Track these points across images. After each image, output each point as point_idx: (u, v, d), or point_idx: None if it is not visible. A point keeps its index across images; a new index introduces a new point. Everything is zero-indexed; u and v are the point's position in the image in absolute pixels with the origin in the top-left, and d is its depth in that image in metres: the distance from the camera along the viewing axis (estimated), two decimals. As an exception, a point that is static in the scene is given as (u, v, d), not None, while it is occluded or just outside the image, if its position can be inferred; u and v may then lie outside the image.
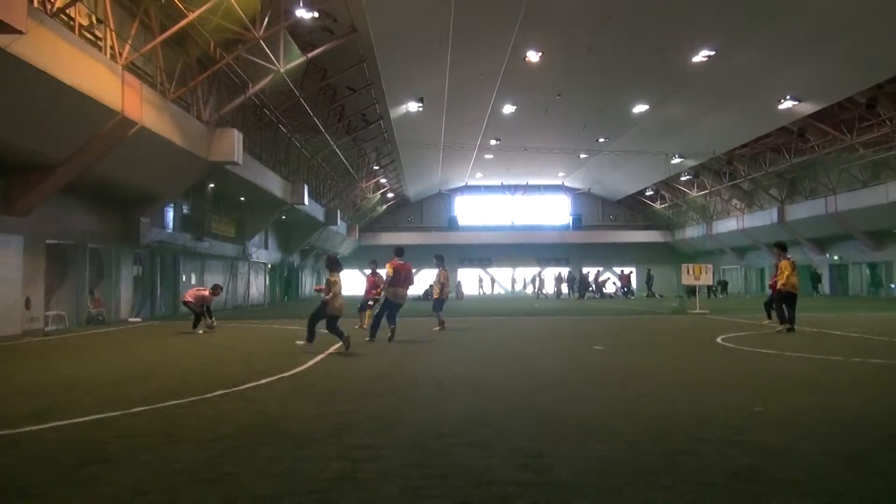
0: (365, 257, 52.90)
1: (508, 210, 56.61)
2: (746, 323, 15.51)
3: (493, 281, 55.93)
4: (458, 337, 13.15)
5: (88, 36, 14.20)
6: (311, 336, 10.35)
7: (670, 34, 21.72)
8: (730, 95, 27.51)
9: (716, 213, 48.18)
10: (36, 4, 11.66)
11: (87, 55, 12.92)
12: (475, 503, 3.44)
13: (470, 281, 51.91)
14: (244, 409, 5.98)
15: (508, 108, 30.67)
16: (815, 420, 5.32)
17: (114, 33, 14.75)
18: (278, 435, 4.97)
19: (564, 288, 39.75)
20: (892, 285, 34.63)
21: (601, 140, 37.06)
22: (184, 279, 24.78)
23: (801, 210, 37.28)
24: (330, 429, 5.11)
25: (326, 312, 10.23)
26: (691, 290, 28.67)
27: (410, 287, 12.87)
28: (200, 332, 14.29)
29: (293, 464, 4.16)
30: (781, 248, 14.03)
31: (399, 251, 12.77)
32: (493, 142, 37.25)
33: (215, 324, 14.39)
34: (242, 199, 27.18)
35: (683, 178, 44.59)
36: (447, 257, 15.48)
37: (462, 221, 55.74)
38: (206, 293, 14.89)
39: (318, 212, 35.75)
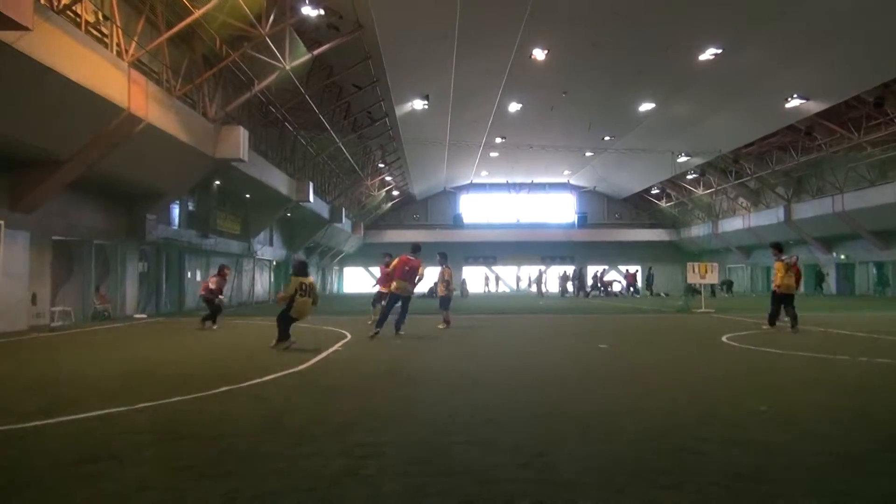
0: (370, 255, 53.57)
1: (513, 208, 56.55)
2: (752, 322, 15.46)
3: (497, 279, 55.91)
4: (462, 334, 13.15)
5: (95, 33, 14.22)
6: (282, 336, 10.26)
7: (677, 32, 21.62)
8: (736, 93, 27.40)
9: (722, 211, 48.02)
10: (42, 1, 11.69)
11: (93, 52, 12.95)
12: (478, 501, 3.44)
13: (475, 279, 51.94)
14: (248, 405, 6.00)
15: (514, 106, 30.61)
16: (819, 420, 5.30)
17: (120, 30, 14.78)
18: (282, 431, 4.99)
19: (570, 286, 39.71)
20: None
21: (607, 138, 36.96)
22: (189, 276, 24.84)
23: (807, 209, 37.11)
24: (333, 425, 5.12)
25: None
26: (691, 289, 28.67)
27: (416, 284, 12.85)
28: (215, 326, 14.37)
29: (296, 460, 4.17)
30: (777, 248, 14.06)
31: (415, 248, 12.87)
32: (498, 140, 37.19)
33: (215, 328, 14.36)
34: (248, 196, 27.23)
35: (689, 177, 44.46)
36: (452, 255, 15.50)
37: (467, 219, 55.70)
38: (212, 282, 15.01)
39: (323, 209, 35.79)
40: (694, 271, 21.80)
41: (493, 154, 41.91)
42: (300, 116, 27.05)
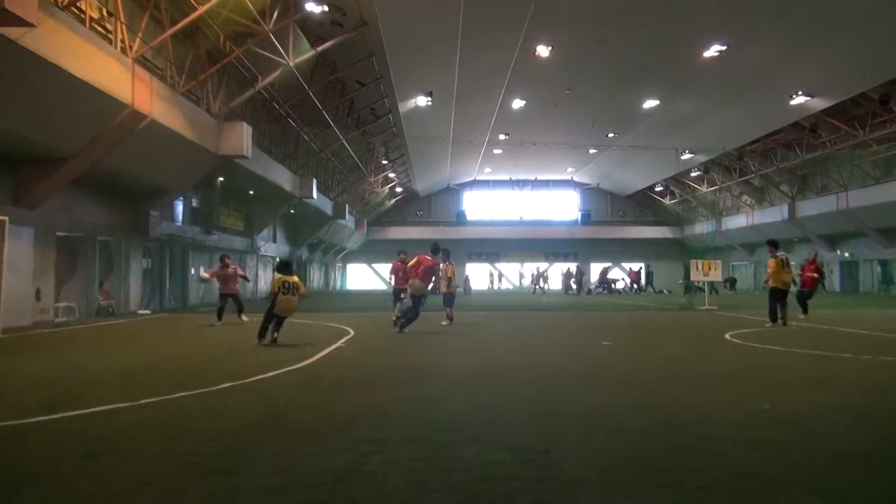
0: (373, 251, 53.67)
1: (517, 205, 56.53)
2: (755, 319, 15.43)
3: (500, 276, 55.91)
4: (465, 331, 13.16)
5: (99, 29, 14.25)
6: (260, 333, 10.50)
7: (681, 29, 21.56)
8: (741, 90, 27.31)
9: (725, 209, 47.92)
10: (47, -3, 11.70)
11: (97, 48, 12.97)
12: (480, 498, 3.44)
13: (478, 275, 51.94)
14: (251, 401, 6.01)
15: (518, 103, 30.56)
16: (822, 418, 5.30)
17: (124, 26, 14.80)
18: (285, 427, 5.00)
19: (573, 284, 39.70)
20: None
21: (610, 135, 36.89)
22: (192, 272, 24.89)
23: (811, 206, 37.01)
24: (336, 422, 5.13)
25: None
26: (689, 287, 28.68)
27: (432, 283, 13.05)
28: (244, 318, 14.63)
29: (300, 456, 4.18)
30: (773, 245, 14.21)
31: (434, 248, 13.17)
32: (501, 136, 37.15)
33: (216, 324, 14.35)
34: (251, 192, 27.26)
35: (693, 174, 44.40)
36: (455, 252, 15.56)
37: (470, 216, 55.72)
38: (213, 273, 15.18)
39: (326, 206, 35.81)
40: (697, 269, 21.78)
41: (497, 151, 41.88)
42: (304, 113, 27.06)
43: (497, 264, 56.34)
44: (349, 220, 42.34)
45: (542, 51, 23.52)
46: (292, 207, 31.29)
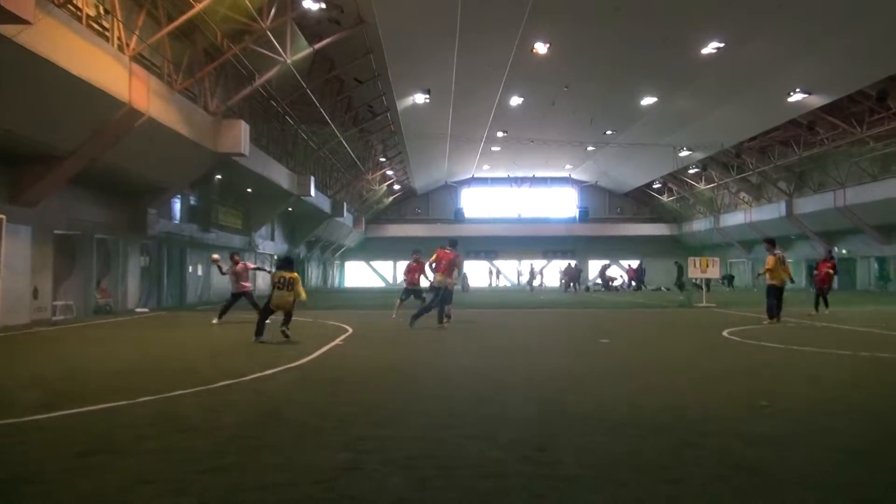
0: (371, 249, 53.65)
1: (515, 202, 56.52)
2: (753, 317, 15.47)
3: (497, 273, 55.92)
4: (463, 329, 13.16)
5: (96, 27, 14.19)
6: (258, 329, 10.55)
7: (679, 26, 21.56)
8: (738, 88, 27.32)
9: (723, 206, 47.95)
10: (43, -5, 11.65)
11: (94, 46, 12.92)
12: (479, 495, 3.44)
13: (477, 273, 51.95)
14: (250, 399, 6.01)
15: (516, 100, 30.55)
16: (820, 414, 5.31)
17: (121, 24, 14.75)
18: (284, 425, 5.00)
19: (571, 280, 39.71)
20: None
21: (608, 132, 36.90)
22: (190, 270, 24.87)
23: (809, 204, 37.05)
24: (335, 419, 5.13)
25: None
26: (682, 285, 28.70)
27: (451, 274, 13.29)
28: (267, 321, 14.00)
29: (298, 454, 4.18)
30: (770, 243, 14.43)
31: (452, 242, 13.45)
32: (500, 134, 37.14)
33: (215, 322, 14.30)
34: (249, 190, 27.22)
35: (691, 171, 44.43)
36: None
37: (468, 213, 55.68)
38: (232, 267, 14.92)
39: (324, 203, 35.77)
40: (695, 266, 21.82)
41: (495, 148, 41.86)
42: (301, 111, 27.02)
43: (495, 262, 56.35)
44: (347, 217, 42.31)
45: (540, 48, 23.50)
46: (290, 205, 31.25)
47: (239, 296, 14.84)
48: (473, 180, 56.01)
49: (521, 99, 30.36)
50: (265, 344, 10.13)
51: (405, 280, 16.18)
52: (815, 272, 16.86)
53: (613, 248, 53.66)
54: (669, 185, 50.76)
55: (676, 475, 3.72)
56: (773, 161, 36.89)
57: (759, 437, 4.55)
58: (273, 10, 17.01)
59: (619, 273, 45.87)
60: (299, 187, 29.15)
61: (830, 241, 38.24)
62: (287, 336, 10.35)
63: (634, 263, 44.52)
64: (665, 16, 20.85)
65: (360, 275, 56.42)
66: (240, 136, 19.55)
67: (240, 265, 15.06)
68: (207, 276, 26.36)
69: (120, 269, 19.38)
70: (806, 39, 21.88)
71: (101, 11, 14.60)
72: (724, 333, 11.71)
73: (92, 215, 17.73)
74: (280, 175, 26.98)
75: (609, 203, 57.44)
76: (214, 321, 14.30)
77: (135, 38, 14.97)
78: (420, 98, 27.83)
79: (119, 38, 14.58)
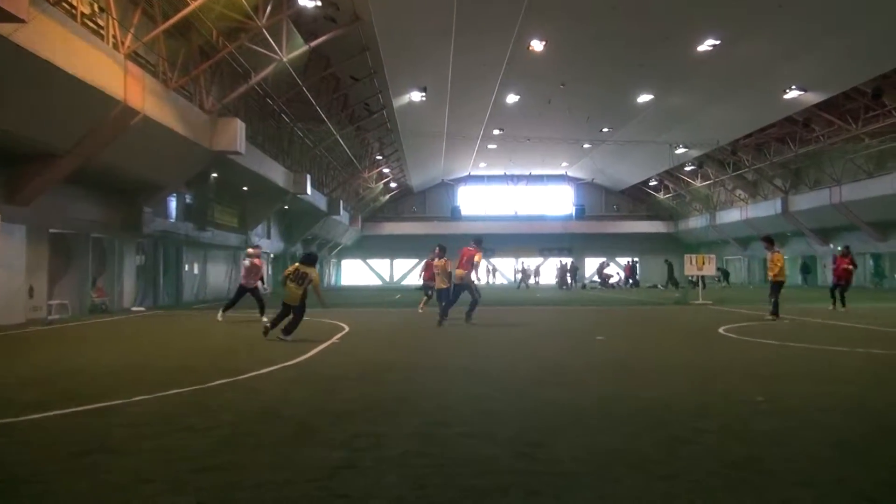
0: (368, 247, 53.63)
1: (511, 200, 56.51)
2: (749, 314, 15.51)
3: (494, 271, 55.90)
4: (458, 327, 13.15)
5: (90, 25, 14.14)
6: (272, 326, 10.52)
7: (675, 23, 21.55)
8: (735, 85, 27.32)
9: (719, 203, 48.02)
10: (38, -7, 11.60)
11: (89, 44, 12.88)
12: (475, 492, 3.45)
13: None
14: (246, 397, 6.01)
15: (512, 98, 30.52)
16: (815, 410, 5.33)
17: (116, 22, 14.69)
18: (279, 423, 5.00)
19: (569, 278, 39.75)
20: (896, 276, 34.56)
21: (605, 130, 36.90)
22: (186, 269, 24.83)
23: (805, 201, 37.12)
24: (331, 417, 5.14)
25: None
26: (676, 283, 28.70)
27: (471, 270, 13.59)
28: (265, 319, 12.87)
29: (294, 452, 4.18)
30: (769, 241, 14.62)
31: (477, 240, 13.77)
32: (496, 131, 37.11)
33: (220, 318, 14.28)
34: (245, 188, 27.17)
35: (687, 169, 44.48)
36: (450, 247, 15.64)
37: (465, 211, 55.65)
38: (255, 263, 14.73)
39: (320, 201, 35.73)
40: (691, 263, 21.89)
41: (491, 146, 41.84)
42: (297, 108, 26.96)
43: (492, 259, 56.33)
44: (343, 215, 42.26)
45: (537, 45, 23.47)
46: (286, 203, 31.20)
47: (246, 291, 14.63)
48: (470, 178, 55.98)
49: (518, 97, 30.34)
50: (265, 343, 10.10)
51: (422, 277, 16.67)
52: (833, 267, 17.04)
53: (610, 245, 53.71)
54: (665, 182, 50.81)
55: (672, 471, 3.73)
56: (768, 158, 36.95)
57: (754, 432, 4.57)
58: (269, 8, 16.96)
59: (615, 270, 45.92)
60: (295, 185, 29.10)
61: (826, 239, 38.39)
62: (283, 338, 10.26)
63: (629, 261, 44.60)
64: (661, 13, 20.84)
65: (356, 273, 56.38)
66: (235, 135, 19.50)
67: (257, 260, 14.94)
68: (204, 275, 26.34)
69: (116, 268, 19.34)
70: (802, 37, 21.90)
71: (96, 9, 14.55)
72: (720, 330, 11.74)
73: (87, 214, 17.69)
74: (276, 173, 26.94)
75: (605, 200, 57.47)
76: (219, 317, 14.29)
77: (130, 36, 14.92)
78: (416, 96, 27.79)
79: (114, 36, 14.52)
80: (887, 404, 5.58)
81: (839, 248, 18.62)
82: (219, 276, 28.14)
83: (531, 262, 48.51)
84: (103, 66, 13.31)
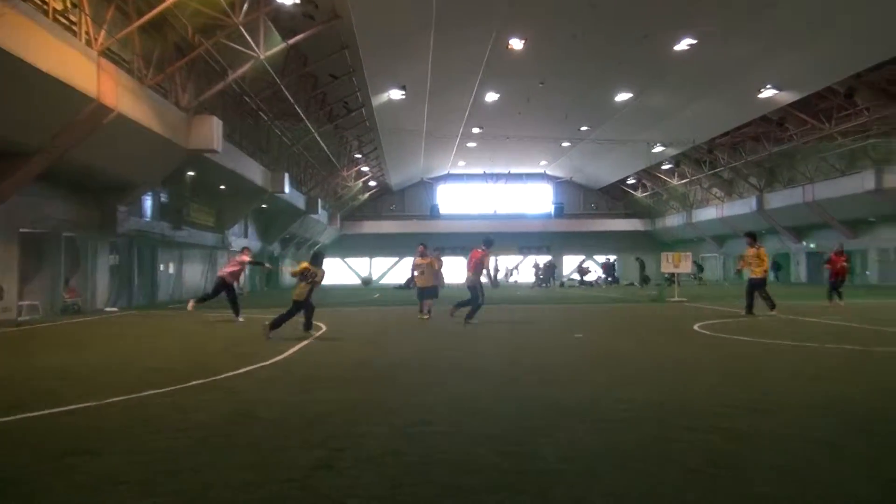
0: (347, 246, 53.43)
1: (491, 198, 56.61)
2: (724, 311, 15.68)
3: (511, 270, 55.53)
4: (438, 325, 13.14)
5: (63, 21, 13.89)
6: (276, 326, 10.53)
7: (653, 23, 21.73)
8: (711, 84, 27.65)
9: (696, 201, 48.58)
10: (7, -13, 11.36)
11: (61, 40, 12.64)
12: (458, 491, 3.42)
13: (452, 269, 51.70)
14: (222, 398, 5.93)
15: (491, 96, 30.57)
16: (794, 406, 5.38)
17: (89, 18, 14.44)
18: (257, 423, 4.94)
19: (541, 276, 39.89)
20: (868, 273, 35.14)
21: (583, 128, 37.12)
22: (161, 268, 24.52)
23: (779, 199, 37.69)
24: (309, 417, 5.08)
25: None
26: (644, 279, 28.92)
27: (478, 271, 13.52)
28: (241, 319, 13.80)
29: (271, 452, 4.13)
30: (752, 237, 14.70)
31: (487, 242, 13.85)
32: (475, 130, 37.16)
33: (240, 320, 14.07)
34: (222, 187, 26.89)
35: (664, 167, 44.93)
36: (430, 246, 15.71)
37: (444, 210, 55.65)
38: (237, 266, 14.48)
39: (298, 200, 35.48)
40: (668, 261, 22.13)
41: (471, 144, 41.88)
42: (275, 106, 26.75)
43: (499, 258, 56.13)
44: (322, 214, 42.02)
45: (516, 44, 23.52)
46: (264, 202, 30.94)
47: (225, 287, 14.21)
48: (449, 177, 55.99)
49: (497, 95, 30.39)
50: (242, 344, 10.01)
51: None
52: (829, 265, 17.58)
53: (588, 243, 54.08)
54: (643, 181, 51.28)
55: (654, 469, 3.74)
56: (744, 157, 37.45)
57: (734, 429, 4.60)
58: (246, 5, 16.79)
59: (593, 268, 46.21)
60: (273, 184, 28.87)
61: (799, 236, 39.00)
62: (267, 335, 10.23)
63: (611, 258, 44.92)
64: (640, 13, 20.99)
65: (335, 272, 56.04)
66: (212, 133, 19.29)
67: (246, 257, 14.73)
68: (179, 275, 26.04)
69: (89, 268, 19.04)
70: (777, 37, 22.19)
71: (69, 5, 14.29)
72: (696, 327, 11.85)
73: (59, 213, 17.38)
74: (253, 171, 26.70)
75: (584, 199, 57.83)
76: (190, 307, 14.17)
77: (103, 33, 14.67)
78: (395, 94, 27.70)
79: (87, 33, 14.28)
80: (864, 399, 5.65)
81: (836, 247, 19.13)
82: (195, 275, 27.80)
83: (503, 261, 48.36)
84: (76, 63, 13.08)
